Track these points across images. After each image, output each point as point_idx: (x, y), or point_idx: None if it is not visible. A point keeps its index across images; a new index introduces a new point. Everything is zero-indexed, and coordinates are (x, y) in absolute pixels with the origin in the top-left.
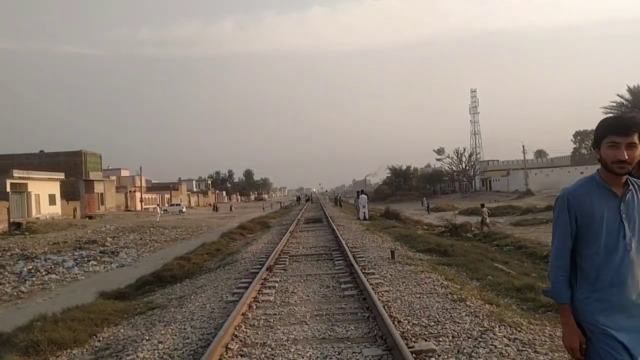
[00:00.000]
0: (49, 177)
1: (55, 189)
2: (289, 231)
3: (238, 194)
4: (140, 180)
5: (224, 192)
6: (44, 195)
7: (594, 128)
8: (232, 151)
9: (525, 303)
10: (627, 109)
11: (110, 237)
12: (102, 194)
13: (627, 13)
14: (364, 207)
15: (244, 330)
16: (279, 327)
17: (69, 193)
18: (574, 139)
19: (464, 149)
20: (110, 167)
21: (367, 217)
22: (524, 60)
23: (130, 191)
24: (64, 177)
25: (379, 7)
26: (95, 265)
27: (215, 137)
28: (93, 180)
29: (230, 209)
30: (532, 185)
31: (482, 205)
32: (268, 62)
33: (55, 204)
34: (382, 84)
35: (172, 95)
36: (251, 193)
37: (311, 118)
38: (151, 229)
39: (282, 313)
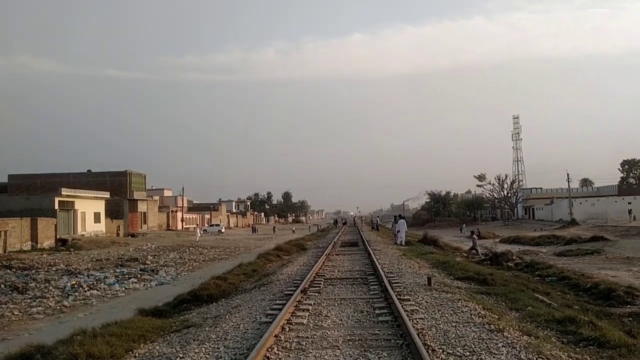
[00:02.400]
0: (95, 195)
1: (100, 207)
2: (325, 254)
3: (276, 215)
4: (182, 201)
5: (263, 214)
6: (89, 213)
7: None
8: (271, 173)
9: (565, 336)
10: None
11: (151, 256)
12: (145, 213)
13: None
14: (402, 232)
15: (276, 352)
16: (311, 351)
17: (113, 211)
18: (621, 168)
19: (506, 176)
20: (153, 187)
21: (404, 243)
22: (569, 87)
23: (172, 211)
24: (109, 196)
25: (418, 34)
26: (135, 282)
27: (255, 159)
28: (137, 200)
29: (274, 231)
30: (576, 214)
31: (472, 233)
32: (308, 87)
33: (99, 222)
34: (422, 109)
35: (214, 119)
36: (289, 215)
37: (348, 142)
38: (190, 248)
39: (315, 336)
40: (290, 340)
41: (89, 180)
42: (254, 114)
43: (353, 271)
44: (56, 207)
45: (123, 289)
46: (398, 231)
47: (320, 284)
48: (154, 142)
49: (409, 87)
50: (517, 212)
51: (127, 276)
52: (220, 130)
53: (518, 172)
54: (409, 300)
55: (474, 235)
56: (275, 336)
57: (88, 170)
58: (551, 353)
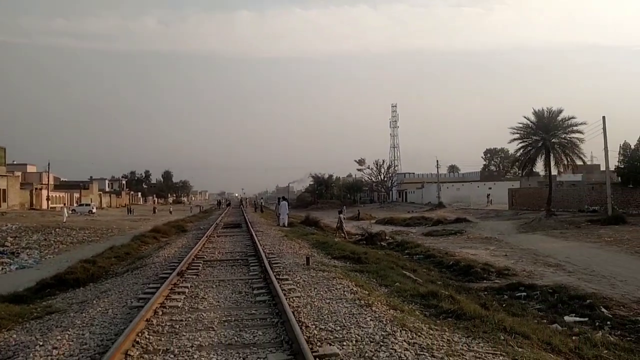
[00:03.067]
0: None
1: None
2: (205, 235)
3: (155, 195)
4: (48, 178)
5: (140, 194)
6: None
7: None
8: (151, 152)
9: (428, 309)
10: (532, 131)
11: (11, 237)
12: (4, 190)
13: (533, 42)
14: (285, 213)
15: (147, 336)
16: (185, 334)
17: None
18: (484, 156)
19: (383, 161)
20: (15, 162)
21: (287, 224)
22: (442, 79)
23: (36, 188)
24: None
25: (306, 18)
26: None
27: (133, 135)
28: None
29: (154, 211)
30: (444, 198)
31: (340, 212)
32: (193, 62)
33: None
34: (306, 94)
35: (88, 90)
36: (169, 195)
37: (235, 122)
38: (57, 229)
39: (190, 319)
40: (163, 324)
41: None
42: (134, 87)
43: (234, 252)
44: None
45: None
46: (285, 213)
47: (199, 266)
48: (17, 112)
49: (295, 69)
50: (392, 195)
51: None
52: (95, 102)
53: (394, 157)
54: (287, 279)
55: (341, 215)
56: (147, 320)
57: None
58: (414, 325)
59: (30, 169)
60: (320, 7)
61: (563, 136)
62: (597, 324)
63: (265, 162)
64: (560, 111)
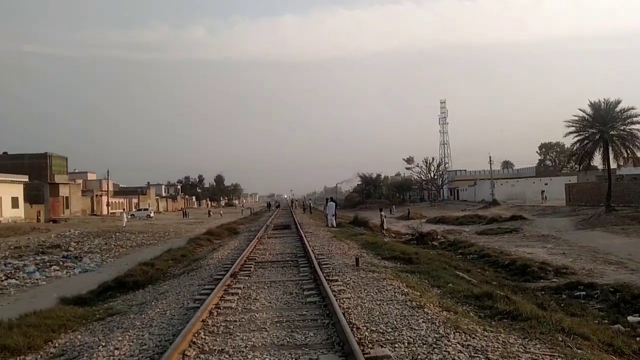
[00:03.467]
0: (12, 179)
1: (18, 191)
2: (256, 237)
3: (208, 199)
4: (107, 184)
5: (194, 198)
6: (6, 198)
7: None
8: (203, 156)
9: (482, 310)
10: (588, 123)
11: (74, 242)
12: (67, 197)
13: (589, 31)
14: (332, 214)
15: (203, 337)
16: (239, 334)
17: (33, 196)
18: (539, 151)
19: (433, 159)
20: (76, 170)
21: (335, 225)
22: (493, 73)
23: (96, 195)
24: (27, 180)
25: (351, 18)
26: (58, 270)
27: (187, 141)
28: (58, 184)
29: (209, 215)
30: (498, 195)
31: (381, 210)
32: (241, 68)
33: (18, 207)
34: (354, 94)
35: (144, 98)
36: (221, 199)
37: (282, 125)
38: (117, 234)
39: (243, 319)
40: (218, 325)
41: (4, 163)
42: (186, 94)
43: (284, 254)
44: None
45: (44, 277)
46: (332, 214)
47: (251, 267)
48: (79, 123)
49: (341, 69)
50: (443, 194)
51: (48, 264)
52: (149, 111)
53: (444, 154)
54: (337, 280)
55: (382, 213)
56: (203, 321)
57: (4, 153)
58: (468, 327)
59: (91, 176)
60: (365, 7)
61: (622, 128)
62: None
63: (313, 163)
64: (618, 102)
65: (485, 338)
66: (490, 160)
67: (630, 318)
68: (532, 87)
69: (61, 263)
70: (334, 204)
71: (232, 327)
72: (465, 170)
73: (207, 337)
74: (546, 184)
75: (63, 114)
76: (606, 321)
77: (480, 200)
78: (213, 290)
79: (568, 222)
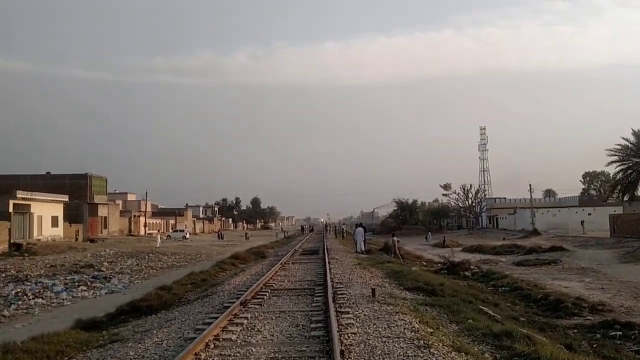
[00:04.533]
0: (53, 199)
1: (58, 211)
2: (280, 262)
3: (244, 221)
4: (145, 205)
5: (230, 220)
6: (46, 216)
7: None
8: (242, 179)
9: (499, 351)
10: (631, 152)
11: (107, 262)
12: (105, 217)
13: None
14: (362, 240)
15: None
16: None
17: (72, 215)
18: (582, 180)
19: (471, 185)
20: (116, 191)
21: (364, 251)
22: (535, 100)
23: (134, 215)
24: (67, 200)
25: (389, 45)
26: (85, 290)
27: (226, 165)
28: (97, 204)
29: (246, 237)
30: (539, 224)
31: (393, 235)
32: (281, 93)
33: (57, 226)
34: (393, 119)
35: (184, 122)
36: (258, 221)
37: (320, 148)
38: (150, 254)
39: (238, 354)
40: (210, 359)
41: (47, 183)
42: (226, 118)
43: (303, 281)
44: (10, 210)
45: (70, 297)
46: (361, 240)
47: (266, 295)
48: (120, 145)
49: (380, 95)
50: (481, 221)
51: (76, 284)
52: (190, 134)
53: (484, 182)
54: (348, 312)
55: (395, 238)
56: (196, 354)
57: (47, 173)
58: None
59: (130, 197)
60: (405, 34)
61: None
62: None
63: (351, 187)
64: None
65: None
66: (530, 188)
67: None
68: (576, 114)
69: (89, 283)
70: (362, 229)
71: None
72: (505, 198)
73: None
74: (589, 214)
75: (105, 137)
76: None
77: (520, 230)
78: (216, 320)
79: (611, 255)
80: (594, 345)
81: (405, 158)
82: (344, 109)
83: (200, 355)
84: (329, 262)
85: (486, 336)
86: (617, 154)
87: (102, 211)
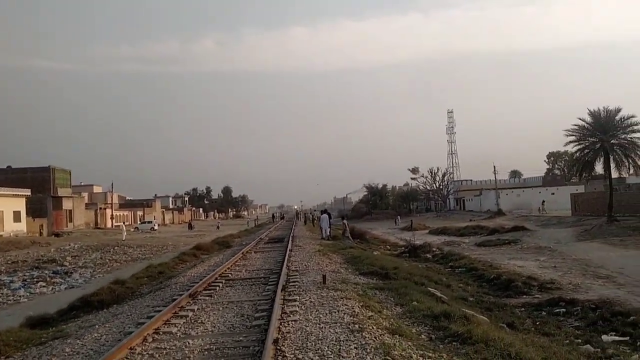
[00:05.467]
0: (14, 193)
1: (20, 205)
2: (241, 252)
3: (216, 211)
4: (112, 197)
5: (201, 210)
6: (8, 211)
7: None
8: (213, 169)
9: (436, 332)
10: (587, 132)
11: (70, 257)
12: (70, 210)
13: (596, 38)
14: (327, 227)
15: None
16: None
17: (36, 210)
18: (547, 160)
19: (437, 169)
20: (82, 183)
21: (330, 237)
22: (502, 82)
23: (100, 208)
24: (29, 194)
25: (359, 30)
26: (44, 286)
27: (197, 154)
28: (61, 197)
29: (217, 227)
30: (503, 205)
31: (343, 218)
32: (250, 80)
33: (20, 221)
34: (363, 104)
35: (150, 110)
36: (229, 210)
37: (291, 136)
38: (116, 247)
39: (174, 347)
40: (144, 353)
41: (8, 177)
42: (196, 107)
43: (260, 270)
44: None
45: (28, 294)
46: (328, 227)
47: (219, 285)
48: (86, 136)
49: (349, 81)
50: (449, 204)
51: (35, 280)
52: (158, 124)
53: (452, 164)
54: (295, 300)
55: (345, 221)
56: (131, 349)
57: (8, 167)
58: (402, 353)
59: (97, 189)
60: (372, 18)
61: (622, 137)
62: (638, 343)
63: (324, 174)
64: (618, 110)
65: None
66: (494, 170)
67: (604, 337)
68: (542, 94)
69: (49, 279)
70: (327, 216)
71: (157, 355)
72: (471, 180)
73: None
74: (552, 194)
75: (71, 128)
76: (579, 340)
77: (486, 211)
78: (159, 313)
79: (570, 233)
80: (537, 323)
81: (377, 143)
82: (314, 96)
83: (136, 349)
84: (290, 250)
85: (426, 317)
86: (574, 134)
87: (67, 204)
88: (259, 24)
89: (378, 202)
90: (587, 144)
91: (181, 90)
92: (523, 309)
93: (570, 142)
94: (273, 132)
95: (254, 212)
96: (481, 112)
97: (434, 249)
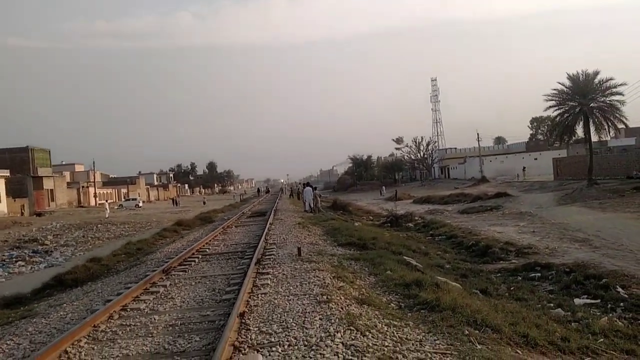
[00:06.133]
0: None
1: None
2: (222, 227)
3: (201, 186)
4: (94, 175)
5: (187, 186)
6: None
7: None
8: (197, 144)
9: (406, 300)
10: (567, 96)
11: (51, 235)
12: (52, 190)
13: (575, 2)
14: (310, 199)
15: (81, 345)
16: (120, 341)
17: (16, 190)
18: (530, 125)
19: (422, 138)
20: (63, 162)
21: (312, 209)
22: (485, 49)
23: (82, 187)
24: (8, 174)
25: (340, 0)
26: (23, 265)
27: (180, 130)
28: (42, 177)
29: (204, 202)
30: (487, 172)
31: (308, 185)
32: (230, 53)
33: (0, 202)
34: (347, 75)
35: (130, 88)
36: (215, 185)
37: (276, 110)
38: (99, 225)
39: (139, 324)
40: (107, 331)
41: None
42: (177, 82)
43: (239, 244)
44: None
45: (7, 273)
46: (311, 199)
47: (195, 261)
48: (67, 114)
49: (332, 51)
50: (434, 172)
51: (14, 259)
52: (139, 100)
53: (437, 133)
54: (268, 273)
55: (315, 192)
56: (94, 326)
57: None
58: (366, 323)
59: (79, 168)
60: None
61: (602, 100)
62: (609, 306)
63: (309, 147)
64: (596, 73)
65: (380, 335)
66: (478, 137)
67: (576, 300)
68: (527, 60)
69: (27, 258)
70: (310, 188)
71: (121, 332)
72: (456, 148)
73: (85, 346)
74: (535, 159)
75: (50, 107)
76: (551, 305)
77: (470, 178)
78: (128, 290)
79: (551, 198)
80: (511, 288)
81: (363, 114)
82: (297, 68)
83: (100, 326)
84: (271, 224)
85: (398, 286)
86: (554, 98)
87: (48, 184)
88: None
89: (363, 173)
90: (566, 108)
91: (161, 66)
92: (499, 274)
93: (551, 106)
94: (256, 106)
95: (240, 186)
96: (466, 80)
97: (416, 218)
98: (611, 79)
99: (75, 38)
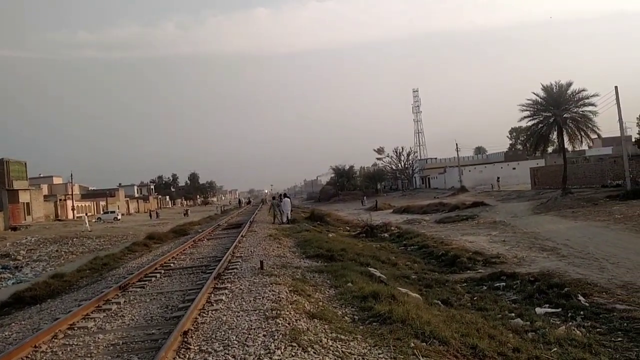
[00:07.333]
0: None
1: None
2: (193, 240)
3: (183, 198)
4: (72, 188)
5: (168, 197)
6: None
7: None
8: (179, 155)
9: (361, 312)
10: (541, 106)
11: (25, 250)
12: (27, 203)
13: (559, 15)
14: (288, 210)
15: None
16: None
17: None
18: (509, 135)
19: (402, 148)
20: (41, 175)
21: (289, 221)
22: (465, 61)
23: (60, 199)
24: None
25: (322, 10)
26: None
27: (162, 141)
28: (17, 190)
29: (185, 214)
30: (467, 181)
31: (274, 198)
32: (214, 64)
33: None
34: (330, 86)
35: (113, 98)
36: (197, 197)
37: (260, 120)
38: (74, 239)
39: (83, 342)
40: (47, 351)
41: None
42: (157, 92)
43: (205, 258)
44: None
45: None
46: (289, 210)
47: (156, 276)
48: (45, 126)
49: (315, 62)
50: (415, 182)
51: None
52: (121, 111)
53: (419, 143)
54: (226, 288)
55: (274, 201)
56: (35, 347)
57: None
58: (310, 338)
59: (57, 180)
60: None
61: (575, 110)
62: (569, 314)
63: (293, 157)
64: (569, 84)
65: (322, 351)
66: (457, 147)
67: (538, 310)
68: (508, 71)
69: None
70: (288, 199)
71: (61, 352)
72: (436, 158)
73: None
74: (514, 169)
75: (29, 118)
76: (512, 314)
77: (450, 188)
78: (79, 307)
79: (527, 207)
80: (475, 298)
81: (346, 124)
82: (281, 78)
83: (41, 347)
84: (242, 236)
85: (355, 299)
86: (528, 108)
87: (24, 197)
88: (221, 5)
89: (345, 183)
90: (541, 118)
91: (144, 76)
92: (465, 284)
93: (525, 117)
94: (240, 116)
95: (223, 197)
96: (447, 91)
97: (393, 228)
98: (583, 90)
99: (58, 48)
